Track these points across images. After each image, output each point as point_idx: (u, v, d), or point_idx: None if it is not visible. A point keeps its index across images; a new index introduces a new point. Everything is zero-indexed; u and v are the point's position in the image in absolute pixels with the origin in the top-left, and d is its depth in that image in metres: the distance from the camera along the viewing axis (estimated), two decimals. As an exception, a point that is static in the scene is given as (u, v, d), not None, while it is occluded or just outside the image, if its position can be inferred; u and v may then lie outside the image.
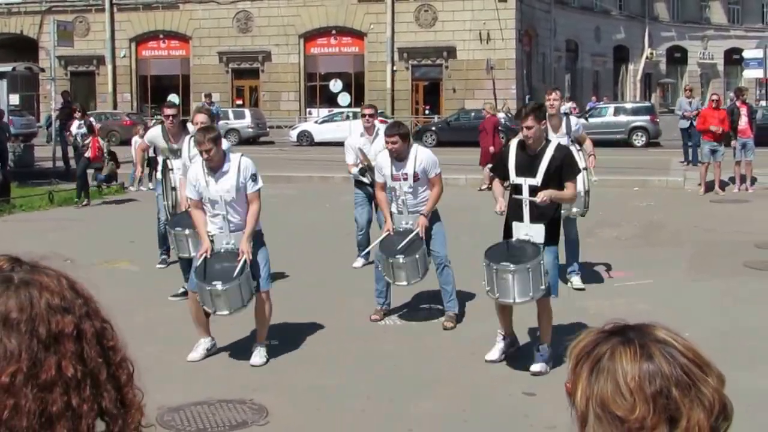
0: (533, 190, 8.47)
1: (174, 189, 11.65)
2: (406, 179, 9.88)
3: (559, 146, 8.85)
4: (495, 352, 8.85)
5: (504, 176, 8.90)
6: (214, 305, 8.75)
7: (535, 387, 7.88)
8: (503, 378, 8.36)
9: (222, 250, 8.85)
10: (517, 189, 8.68)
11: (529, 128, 8.50)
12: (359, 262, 13.30)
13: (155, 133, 12.43)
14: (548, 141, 8.89)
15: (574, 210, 11.29)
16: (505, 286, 8.36)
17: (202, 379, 8.46)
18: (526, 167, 8.59)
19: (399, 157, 9.88)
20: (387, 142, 9.91)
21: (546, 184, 8.45)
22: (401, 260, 9.71)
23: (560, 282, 11.24)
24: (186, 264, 10.31)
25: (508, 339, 8.95)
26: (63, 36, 29.77)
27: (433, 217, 10.09)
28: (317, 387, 8.16)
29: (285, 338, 9.63)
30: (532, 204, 8.47)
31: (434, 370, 8.60)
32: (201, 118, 10.89)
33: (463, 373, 8.55)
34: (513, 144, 8.95)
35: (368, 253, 12.98)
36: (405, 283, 9.93)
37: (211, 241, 8.85)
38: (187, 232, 10.39)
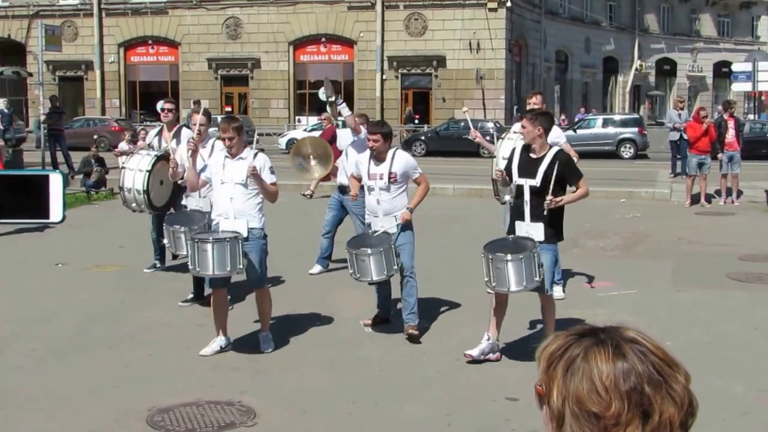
0: (533, 191, 8.96)
1: (122, 189, 12.25)
2: (381, 178, 9.88)
3: (560, 152, 9.21)
4: (476, 350, 9.03)
5: (511, 176, 9.28)
6: (201, 264, 9.12)
7: (517, 392, 7.99)
8: (486, 383, 8.47)
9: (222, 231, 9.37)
10: (518, 190, 9.14)
11: (523, 127, 9.16)
12: (316, 268, 13.50)
13: (152, 134, 13.00)
14: (551, 146, 9.24)
15: (507, 197, 11.08)
16: (501, 276, 8.71)
17: (191, 380, 8.56)
18: (528, 169, 9.05)
19: (378, 157, 9.91)
20: (369, 140, 9.95)
21: (544, 186, 8.89)
22: (368, 251, 9.62)
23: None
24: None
25: (491, 342, 9.12)
26: (51, 41, 29.73)
27: (406, 227, 10.00)
28: (304, 390, 8.27)
29: (274, 342, 9.74)
30: (531, 204, 8.97)
31: (419, 376, 8.72)
32: (200, 119, 11.07)
33: (447, 378, 8.67)
34: (518, 146, 9.38)
35: (327, 260, 13.42)
36: (369, 278, 9.80)
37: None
38: (183, 229, 10.86)
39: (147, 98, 56.80)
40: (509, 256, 8.65)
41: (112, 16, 57.54)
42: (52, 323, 10.78)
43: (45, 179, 1.76)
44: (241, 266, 9.09)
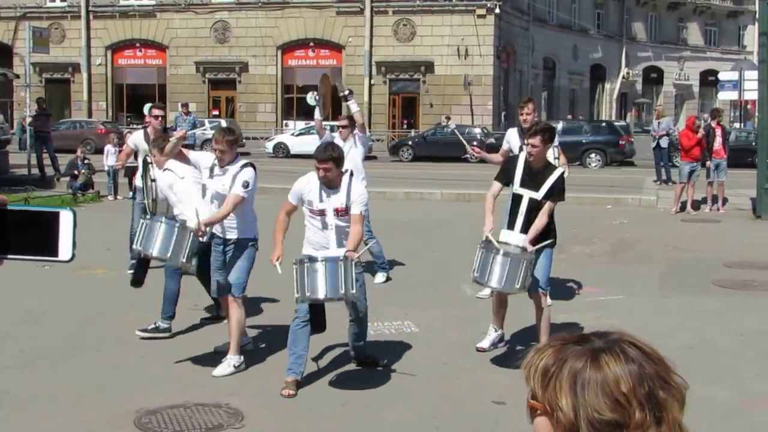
0: (532, 202, 9.07)
1: (154, 181, 11.74)
2: (338, 214, 8.52)
3: (562, 174, 9.31)
4: (486, 342, 9.56)
5: (506, 182, 9.31)
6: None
7: (505, 396, 8.03)
8: (475, 387, 8.51)
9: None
10: (515, 199, 9.23)
11: (534, 146, 9.02)
12: None
13: (138, 135, 12.81)
14: (554, 167, 9.40)
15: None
16: (493, 272, 8.70)
17: (179, 382, 8.57)
18: (530, 181, 9.15)
19: (330, 185, 8.49)
20: (318, 169, 8.38)
21: (543, 200, 9.10)
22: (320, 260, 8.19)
23: (529, 297, 11.54)
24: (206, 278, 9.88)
25: (500, 332, 9.61)
26: (38, 42, 29.69)
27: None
28: (292, 393, 8.28)
29: (262, 345, 9.78)
30: (526, 216, 9.08)
31: (407, 379, 8.74)
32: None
33: (436, 381, 8.70)
34: (521, 156, 9.45)
35: None
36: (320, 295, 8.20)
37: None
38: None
39: (134, 101, 56.69)
40: (510, 255, 8.65)
41: (100, 18, 57.44)
42: (40, 325, 10.78)
43: (55, 216, 1.80)
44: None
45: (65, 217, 1.81)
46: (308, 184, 8.62)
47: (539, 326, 9.26)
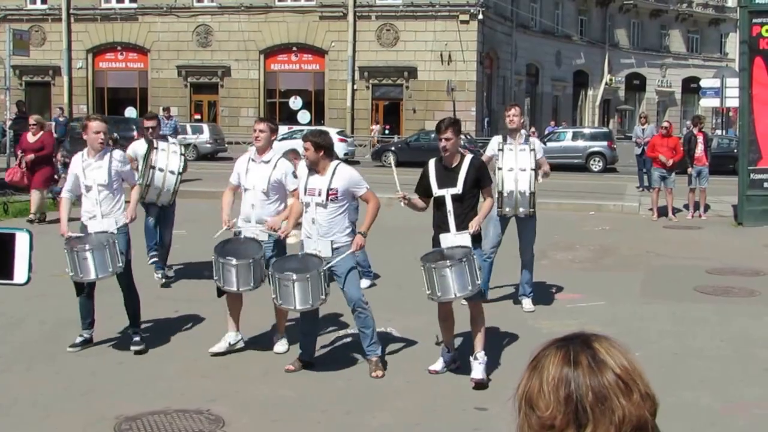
0: (455, 199, 8.96)
1: (153, 168, 12.84)
2: (319, 194, 8.93)
3: (474, 158, 9.35)
4: (438, 364, 9.16)
5: (426, 192, 9.20)
6: (224, 280, 9.32)
7: (486, 402, 8.01)
8: (456, 392, 8.48)
9: (243, 237, 9.67)
10: (439, 201, 9.07)
11: (447, 140, 9.01)
12: None
13: (138, 144, 13.37)
14: (463, 155, 9.27)
15: (521, 210, 11.59)
16: (445, 284, 8.60)
17: (159, 388, 8.51)
18: (447, 179, 9.05)
19: (315, 170, 9.03)
20: (304, 149, 9.06)
21: (466, 192, 9.00)
22: (293, 276, 8.78)
23: (512, 303, 11.51)
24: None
25: (452, 353, 9.24)
26: (19, 45, 29.51)
27: (346, 252, 9.04)
28: (274, 399, 8.25)
29: (244, 350, 9.73)
30: (455, 213, 8.93)
31: (389, 384, 8.71)
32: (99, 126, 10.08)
33: (417, 387, 8.67)
34: (431, 162, 9.32)
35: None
36: (291, 306, 9.03)
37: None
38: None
39: (115, 105, 56.55)
40: (449, 262, 8.61)
41: (81, 21, 57.25)
42: (20, 329, 10.71)
43: (11, 238, 1.74)
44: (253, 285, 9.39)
45: (21, 239, 1.72)
46: (302, 169, 9.54)
47: (476, 332, 8.90)
